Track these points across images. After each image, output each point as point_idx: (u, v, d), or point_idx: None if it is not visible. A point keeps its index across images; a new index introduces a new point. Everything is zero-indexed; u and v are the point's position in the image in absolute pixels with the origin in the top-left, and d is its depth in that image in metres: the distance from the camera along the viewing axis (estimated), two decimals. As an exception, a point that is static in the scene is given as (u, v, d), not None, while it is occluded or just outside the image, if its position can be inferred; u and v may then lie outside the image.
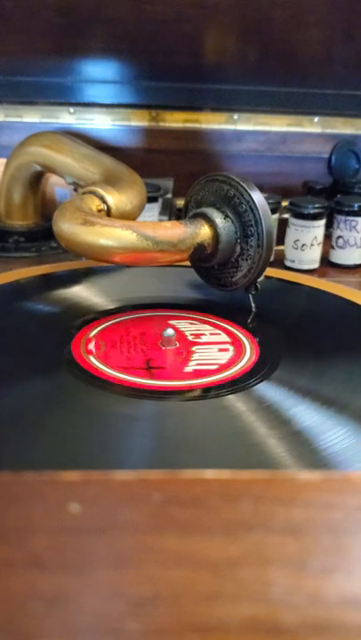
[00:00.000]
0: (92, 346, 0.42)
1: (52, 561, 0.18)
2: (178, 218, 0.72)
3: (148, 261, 0.45)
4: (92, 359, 0.41)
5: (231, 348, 0.44)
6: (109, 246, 0.44)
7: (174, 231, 0.45)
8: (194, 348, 0.43)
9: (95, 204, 0.51)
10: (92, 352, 0.41)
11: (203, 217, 0.47)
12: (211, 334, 0.46)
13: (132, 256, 0.44)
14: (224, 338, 0.45)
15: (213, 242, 0.46)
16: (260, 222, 0.45)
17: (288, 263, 0.65)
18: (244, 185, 0.46)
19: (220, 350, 0.43)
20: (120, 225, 0.44)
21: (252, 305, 0.49)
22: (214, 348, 0.43)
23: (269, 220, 0.46)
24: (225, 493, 0.21)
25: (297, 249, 0.64)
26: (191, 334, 0.45)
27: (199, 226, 0.46)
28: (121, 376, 0.39)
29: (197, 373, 0.40)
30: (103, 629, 0.16)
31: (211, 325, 0.47)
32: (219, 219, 0.46)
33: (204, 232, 0.46)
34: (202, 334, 0.46)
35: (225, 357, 0.42)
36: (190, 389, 0.38)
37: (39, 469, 0.22)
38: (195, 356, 0.42)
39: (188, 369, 0.40)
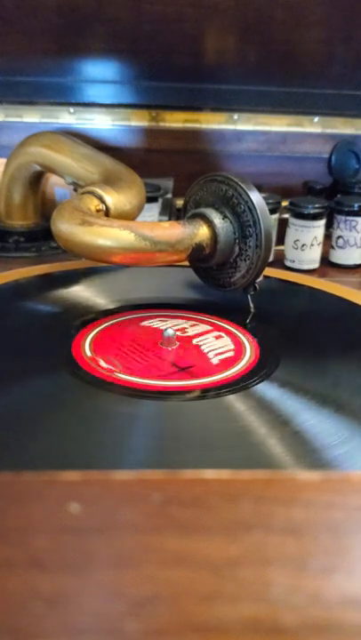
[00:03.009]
0: (103, 364, 0.41)
1: (52, 561, 0.18)
2: (178, 218, 0.72)
3: (147, 261, 0.45)
4: (103, 364, 0.41)
5: (231, 346, 0.44)
6: (107, 246, 0.44)
7: (172, 231, 0.45)
8: (196, 342, 0.43)
9: (94, 204, 0.51)
10: (112, 370, 0.40)
11: (201, 217, 0.47)
12: (209, 333, 0.46)
13: (130, 256, 0.44)
14: (224, 337, 0.45)
15: (212, 242, 0.46)
16: (259, 223, 0.45)
17: (288, 263, 0.65)
18: (242, 185, 0.46)
19: (218, 338, 0.43)
20: (118, 225, 0.44)
21: (251, 305, 0.49)
22: (210, 338, 0.43)
23: (268, 220, 0.46)
24: (225, 493, 0.21)
25: (297, 249, 0.64)
26: (191, 334, 0.45)
27: (197, 226, 0.46)
28: (121, 376, 0.39)
29: (223, 364, 0.40)
30: (103, 629, 0.16)
31: (210, 325, 0.47)
32: (217, 219, 0.46)
33: (203, 232, 0.46)
34: (201, 333, 0.46)
35: (229, 343, 0.42)
36: (190, 389, 0.38)
37: (39, 469, 0.22)
38: (205, 348, 0.42)
39: (215, 360, 0.41)
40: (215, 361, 0.41)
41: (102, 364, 0.40)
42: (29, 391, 0.37)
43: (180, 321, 0.47)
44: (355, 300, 0.52)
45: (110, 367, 0.40)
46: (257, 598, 0.17)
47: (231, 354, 0.42)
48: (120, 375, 0.39)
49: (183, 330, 0.46)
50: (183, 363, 0.41)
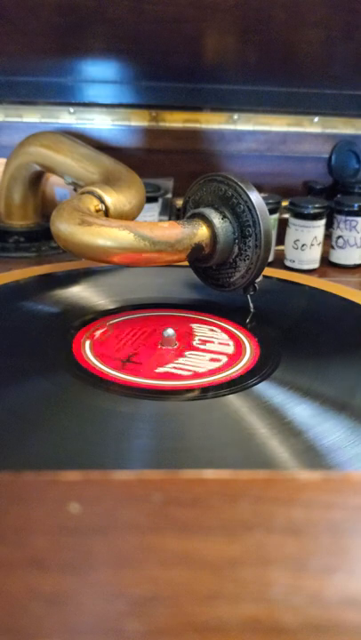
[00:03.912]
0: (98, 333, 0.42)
1: (52, 561, 0.18)
2: (178, 218, 0.72)
3: (146, 262, 0.45)
4: (91, 357, 0.41)
5: (231, 346, 0.44)
6: (107, 246, 0.44)
7: (172, 231, 0.45)
8: (188, 350, 0.43)
9: (93, 204, 0.51)
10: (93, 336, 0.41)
11: (200, 217, 0.47)
12: (210, 333, 0.46)
13: (129, 256, 0.44)
14: (223, 337, 0.45)
15: (211, 242, 0.46)
16: (258, 223, 0.45)
17: (288, 263, 0.65)
18: (242, 185, 0.46)
19: (216, 354, 0.43)
20: (117, 225, 0.44)
21: (251, 305, 0.49)
22: (212, 349, 0.43)
23: (267, 220, 0.46)
24: (225, 493, 0.21)
25: (297, 249, 0.64)
26: (190, 333, 0.45)
27: (197, 226, 0.46)
28: (121, 376, 0.39)
29: (196, 374, 0.40)
30: (103, 629, 0.16)
31: (210, 325, 0.47)
32: (217, 219, 0.46)
33: (202, 232, 0.46)
34: (200, 333, 0.46)
35: (217, 361, 0.42)
36: (190, 389, 0.38)
37: (39, 469, 0.22)
38: (180, 359, 0.42)
39: (161, 370, 0.40)
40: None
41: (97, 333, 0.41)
42: (29, 391, 0.37)
43: (200, 325, 0.47)
44: (355, 299, 0.52)
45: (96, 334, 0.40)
46: (257, 598, 0.17)
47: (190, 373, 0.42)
48: (92, 358, 0.39)
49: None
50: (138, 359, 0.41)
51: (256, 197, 0.46)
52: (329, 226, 0.66)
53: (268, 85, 0.81)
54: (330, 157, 0.80)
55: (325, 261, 0.66)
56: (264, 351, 0.43)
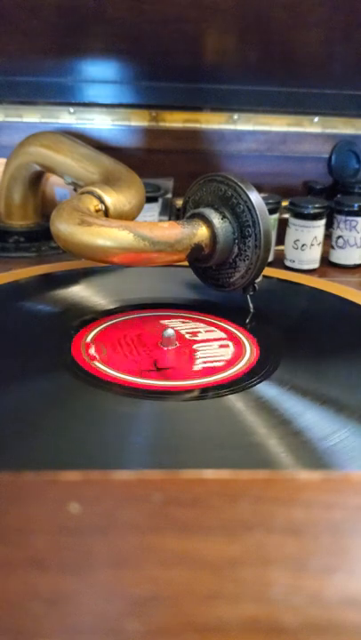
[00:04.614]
0: (92, 351, 0.42)
1: (52, 561, 0.18)
2: (178, 218, 0.72)
3: (146, 262, 0.45)
4: (96, 363, 0.41)
5: (231, 344, 0.44)
6: (106, 247, 0.44)
7: (171, 231, 0.45)
8: (195, 347, 0.43)
9: (93, 204, 0.50)
10: (95, 357, 0.41)
11: (200, 217, 0.47)
12: (208, 332, 0.46)
13: (129, 256, 0.44)
14: (222, 336, 0.45)
15: (211, 242, 0.46)
16: (258, 223, 0.45)
17: (288, 263, 0.65)
18: (241, 185, 0.46)
19: (221, 347, 0.43)
20: (117, 225, 0.44)
21: (250, 305, 0.49)
22: (215, 345, 0.43)
23: (267, 220, 0.46)
24: (225, 493, 0.21)
25: (297, 249, 0.64)
26: (189, 334, 0.45)
27: (197, 226, 0.46)
28: (121, 376, 0.39)
29: (204, 372, 0.40)
30: (103, 629, 0.16)
31: (210, 325, 0.47)
32: (216, 219, 0.46)
33: (202, 232, 0.46)
34: (200, 333, 0.46)
35: (228, 354, 0.42)
36: (190, 389, 0.38)
37: (39, 469, 0.22)
38: (199, 354, 0.42)
39: (197, 367, 0.40)
40: (198, 367, 0.41)
41: (91, 350, 0.41)
42: (29, 391, 0.37)
43: (198, 324, 0.47)
44: (355, 299, 0.52)
45: (95, 355, 0.40)
46: (257, 598, 0.17)
47: (221, 364, 0.41)
48: (98, 364, 0.39)
49: (195, 333, 0.46)
50: (164, 364, 0.41)
51: (256, 197, 0.46)
52: (329, 226, 0.66)
53: (268, 85, 0.81)
54: (330, 157, 0.80)
55: (325, 261, 0.66)
56: (264, 351, 0.43)
